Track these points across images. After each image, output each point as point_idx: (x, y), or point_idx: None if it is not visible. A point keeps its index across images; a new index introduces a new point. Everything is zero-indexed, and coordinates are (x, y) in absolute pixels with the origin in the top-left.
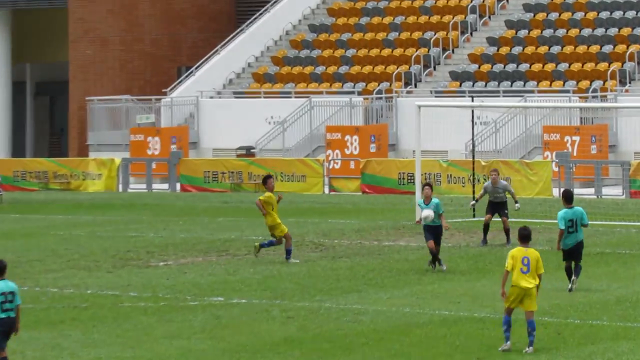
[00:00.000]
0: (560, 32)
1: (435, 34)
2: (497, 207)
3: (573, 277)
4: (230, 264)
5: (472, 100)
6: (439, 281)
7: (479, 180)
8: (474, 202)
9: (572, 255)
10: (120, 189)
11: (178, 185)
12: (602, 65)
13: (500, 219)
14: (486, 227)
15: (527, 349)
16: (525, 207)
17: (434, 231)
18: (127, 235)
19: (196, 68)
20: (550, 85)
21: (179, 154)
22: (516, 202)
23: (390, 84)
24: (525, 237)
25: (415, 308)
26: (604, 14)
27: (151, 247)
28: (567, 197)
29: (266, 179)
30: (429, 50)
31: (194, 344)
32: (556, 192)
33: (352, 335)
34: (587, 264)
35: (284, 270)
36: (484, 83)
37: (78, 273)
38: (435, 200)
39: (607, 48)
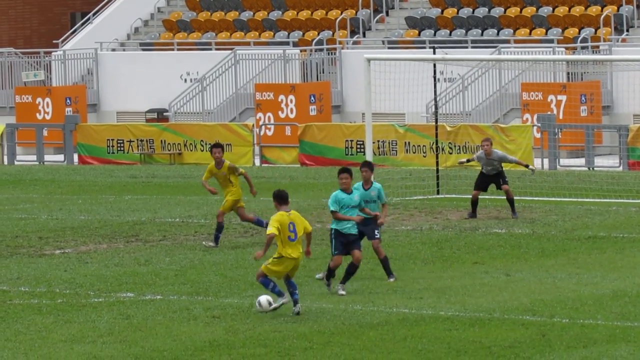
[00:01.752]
0: None
1: None
2: (492, 178)
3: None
4: (142, 251)
5: (434, 53)
6: (396, 272)
7: (443, 150)
8: (463, 160)
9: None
10: (6, 161)
11: (75, 157)
12: (594, 10)
13: (501, 189)
14: (475, 202)
15: (297, 308)
16: None
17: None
18: (15, 217)
19: (94, 14)
20: (530, 33)
21: (76, 119)
22: (527, 166)
23: (333, 33)
24: (283, 198)
25: (367, 305)
26: None
27: (44, 232)
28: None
29: (211, 148)
30: None
31: (100, 349)
32: (538, 163)
33: (292, 338)
34: (576, 251)
35: (206, 259)
36: (448, 31)
37: None
38: (376, 184)
39: None
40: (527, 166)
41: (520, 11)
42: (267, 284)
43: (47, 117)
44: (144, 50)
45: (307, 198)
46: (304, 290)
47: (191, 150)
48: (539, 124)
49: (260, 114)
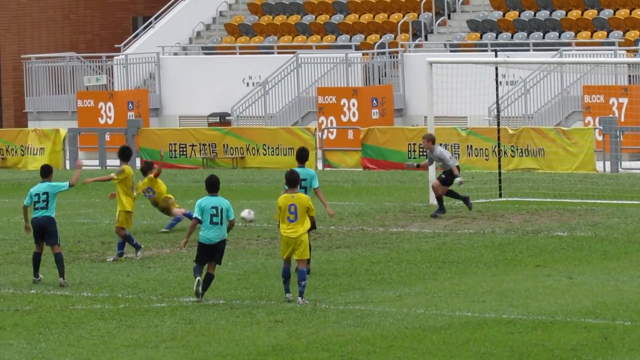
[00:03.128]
0: None
1: None
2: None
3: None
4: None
5: (496, 56)
6: (458, 275)
7: (505, 153)
8: (412, 164)
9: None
10: (68, 166)
11: (137, 161)
12: None
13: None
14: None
15: (299, 300)
16: (562, 184)
17: None
18: (78, 222)
19: (156, 18)
20: (592, 36)
21: (138, 123)
22: (456, 175)
23: (395, 36)
24: (292, 181)
25: (430, 309)
26: None
27: (107, 237)
28: (212, 184)
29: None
30: None
31: (163, 354)
32: (600, 166)
33: (355, 342)
34: (639, 253)
35: (269, 264)
36: (509, 34)
37: (19, 269)
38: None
39: None
40: (456, 176)
41: (582, 14)
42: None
43: (110, 122)
44: (206, 54)
45: (370, 202)
46: (367, 294)
47: (254, 155)
48: (601, 127)
49: (322, 118)
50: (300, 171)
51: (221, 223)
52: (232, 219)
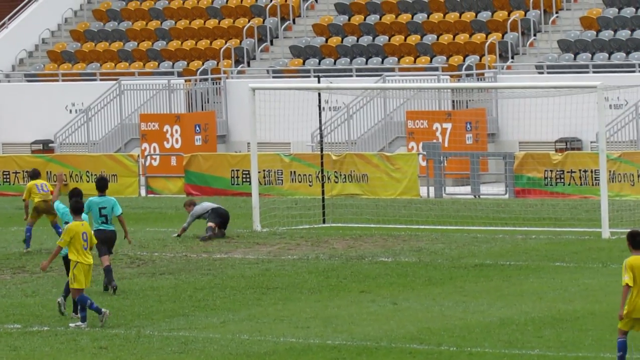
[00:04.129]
0: None
1: (271, 1)
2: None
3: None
4: (28, 283)
5: (319, 82)
6: (283, 301)
7: (329, 179)
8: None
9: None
10: None
11: None
12: (478, 37)
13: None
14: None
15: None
16: (387, 210)
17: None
18: None
19: None
20: (415, 61)
21: None
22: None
23: (218, 63)
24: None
25: (255, 335)
26: None
27: None
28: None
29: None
30: (264, 20)
31: None
32: (424, 192)
33: None
34: (463, 279)
35: (93, 290)
36: (332, 60)
37: None
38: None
39: (485, 15)
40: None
41: (405, 39)
42: (85, 300)
43: None
44: (28, 81)
45: (192, 228)
46: (191, 320)
47: (77, 181)
48: (425, 152)
49: (145, 145)
50: (101, 200)
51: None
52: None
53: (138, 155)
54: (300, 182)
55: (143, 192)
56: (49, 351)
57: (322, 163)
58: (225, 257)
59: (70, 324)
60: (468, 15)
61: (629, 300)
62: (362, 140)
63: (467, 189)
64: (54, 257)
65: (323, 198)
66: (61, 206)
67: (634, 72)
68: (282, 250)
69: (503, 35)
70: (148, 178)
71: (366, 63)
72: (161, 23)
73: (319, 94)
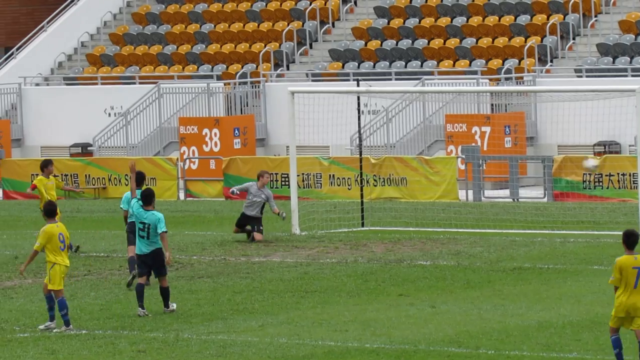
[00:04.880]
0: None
1: (310, 4)
2: (250, 220)
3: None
4: (67, 286)
5: (358, 85)
6: (321, 305)
7: (367, 182)
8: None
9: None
10: None
11: (0, 192)
12: (517, 40)
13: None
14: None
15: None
16: (425, 213)
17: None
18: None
19: (17, 49)
20: (454, 65)
21: (0, 154)
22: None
23: (257, 66)
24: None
25: (293, 338)
26: None
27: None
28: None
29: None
30: (303, 23)
31: None
32: (463, 195)
33: None
34: (501, 282)
35: (132, 294)
36: (372, 63)
37: None
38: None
39: (524, 19)
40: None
41: (444, 42)
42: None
43: None
44: (67, 84)
45: (232, 231)
46: (230, 324)
47: (115, 185)
48: (463, 156)
49: (184, 148)
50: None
51: (148, 237)
52: (162, 231)
53: (177, 159)
54: (339, 185)
55: (182, 196)
56: (87, 354)
57: (360, 166)
58: (263, 260)
59: (40, 326)
60: (507, 19)
61: (616, 299)
62: (401, 144)
63: (506, 192)
64: (31, 261)
65: (362, 201)
66: (135, 203)
67: None
68: (320, 253)
69: (542, 39)
70: (187, 181)
71: (405, 66)
72: (200, 26)
73: (358, 98)
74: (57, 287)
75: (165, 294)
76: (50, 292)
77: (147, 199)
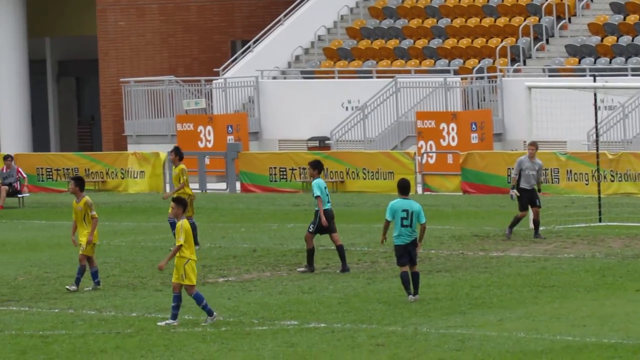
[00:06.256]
0: None
1: (547, 0)
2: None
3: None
4: (305, 279)
5: (595, 80)
6: (559, 300)
7: (604, 178)
8: (514, 191)
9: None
10: (168, 189)
11: (238, 185)
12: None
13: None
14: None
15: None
16: None
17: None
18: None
19: (254, 42)
20: None
21: (238, 147)
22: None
23: (494, 61)
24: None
25: (531, 333)
26: None
27: (208, 260)
28: (404, 187)
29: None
30: (540, 19)
31: None
32: None
33: None
34: None
35: (370, 287)
36: (608, 59)
37: (120, 292)
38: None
39: None
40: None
41: None
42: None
43: (209, 145)
44: (304, 78)
45: (470, 226)
46: (468, 318)
47: (353, 179)
48: None
49: (421, 142)
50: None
51: (411, 225)
52: (423, 222)
53: (414, 153)
54: (576, 180)
55: (419, 190)
56: (326, 348)
57: (597, 162)
58: (501, 255)
59: (160, 322)
60: None
61: None
62: (637, 140)
63: None
64: (173, 256)
65: (599, 197)
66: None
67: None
68: (558, 248)
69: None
70: (424, 176)
71: None
72: (437, 21)
73: (595, 93)
74: (192, 283)
75: (415, 279)
76: (180, 291)
77: (404, 189)
